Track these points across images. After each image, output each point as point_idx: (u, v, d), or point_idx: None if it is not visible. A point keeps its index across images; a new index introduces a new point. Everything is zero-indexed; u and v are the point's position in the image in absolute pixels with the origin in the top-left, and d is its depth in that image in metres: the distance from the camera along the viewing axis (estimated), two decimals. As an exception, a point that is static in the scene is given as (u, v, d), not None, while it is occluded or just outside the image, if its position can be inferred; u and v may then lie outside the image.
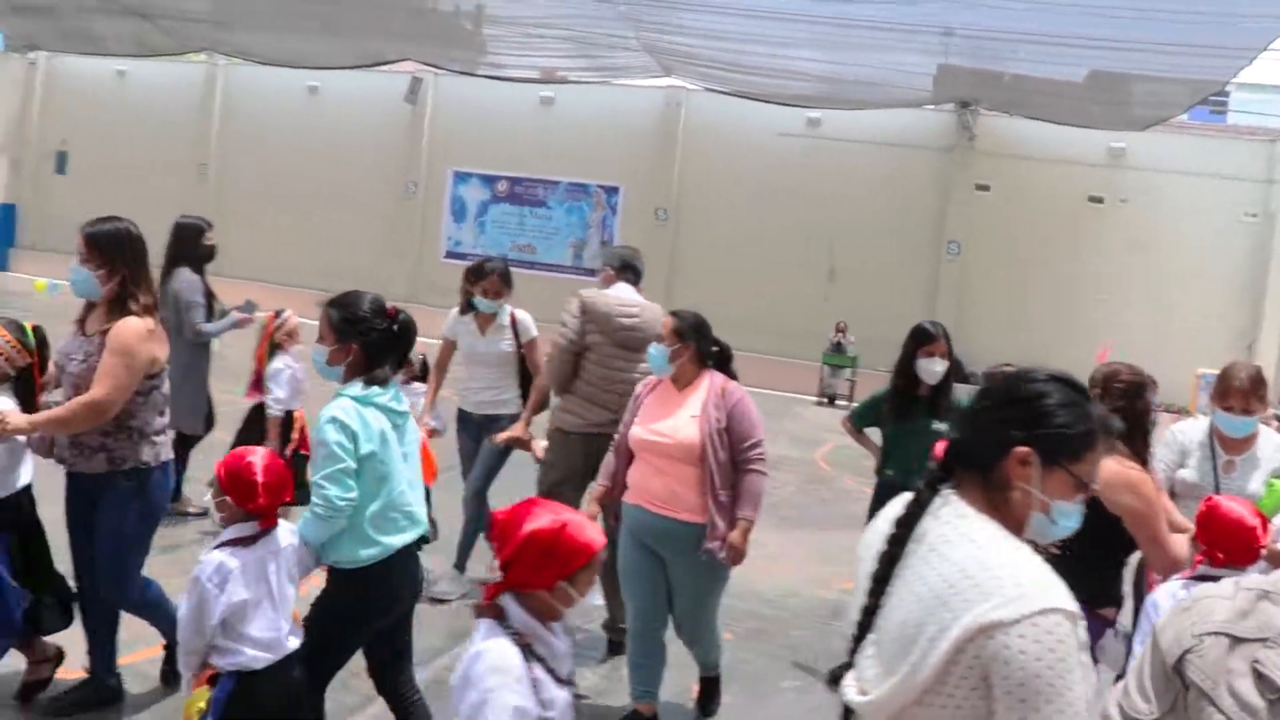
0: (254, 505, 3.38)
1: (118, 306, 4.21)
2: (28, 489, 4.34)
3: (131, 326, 4.14)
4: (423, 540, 3.90)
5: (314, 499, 3.48)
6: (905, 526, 1.98)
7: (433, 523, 6.41)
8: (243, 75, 23.78)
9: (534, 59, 20.56)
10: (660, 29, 17.42)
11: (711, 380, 4.62)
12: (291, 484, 3.55)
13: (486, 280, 6.45)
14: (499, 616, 2.47)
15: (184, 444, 6.99)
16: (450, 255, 21.51)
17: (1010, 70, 17.62)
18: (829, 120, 19.64)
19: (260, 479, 3.38)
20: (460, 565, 6.41)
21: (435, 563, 6.34)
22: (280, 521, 3.51)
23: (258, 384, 6.83)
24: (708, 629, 4.95)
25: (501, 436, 6.13)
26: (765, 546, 8.18)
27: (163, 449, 4.34)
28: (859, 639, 1.99)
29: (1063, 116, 17.56)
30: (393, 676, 4.03)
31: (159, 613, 4.47)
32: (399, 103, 21.65)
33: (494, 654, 2.40)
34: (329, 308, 3.79)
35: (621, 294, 5.77)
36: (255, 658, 3.33)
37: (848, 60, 17.25)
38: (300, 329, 6.88)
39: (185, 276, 6.83)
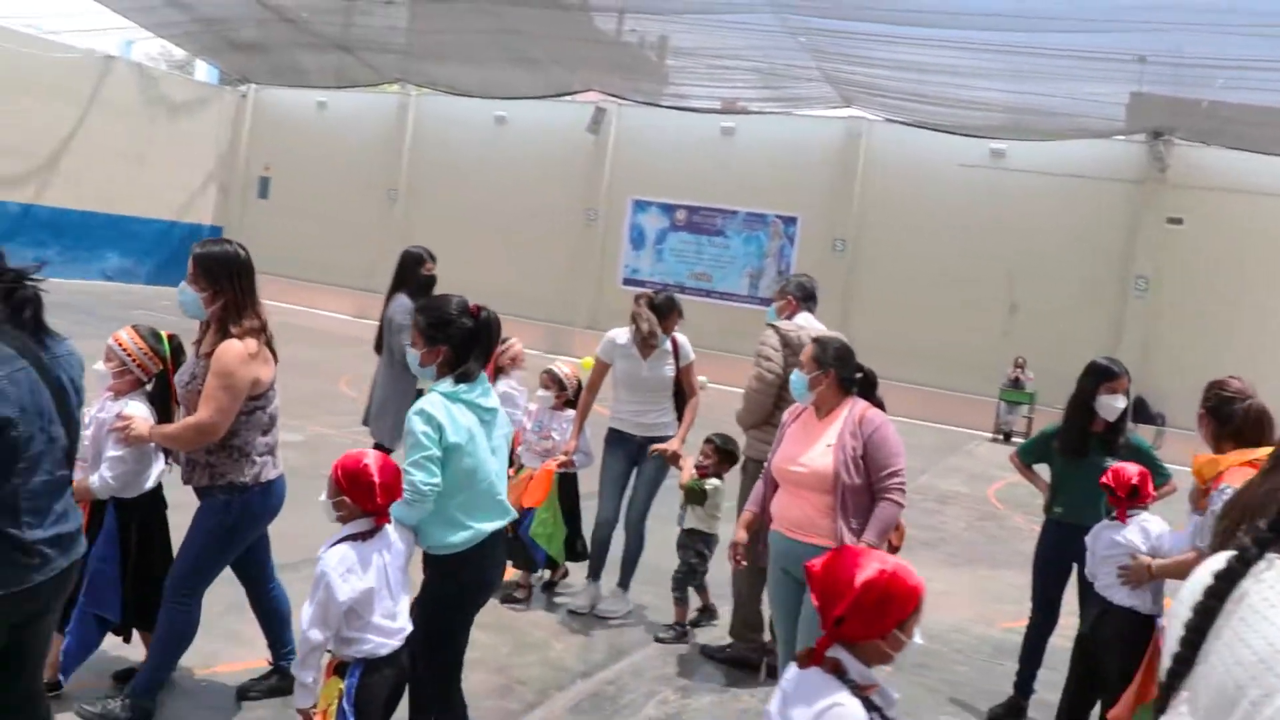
0: (372, 505, 3.57)
1: (221, 329, 4.21)
2: (156, 491, 4.47)
3: (232, 350, 4.12)
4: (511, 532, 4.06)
5: (404, 484, 3.66)
6: (1226, 581, 1.91)
7: (580, 544, 6.62)
8: (433, 105, 24.82)
9: (716, 89, 20.84)
10: (842, 60, 17.45)
11: (852, 408, 4.51)
12: (401, 483, 3.70)
13: (673, 318, 6.48)
14: (837, 670, 2.46)
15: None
16: (628, 282, 21.91)
17: (1208, 98, 17.00)
18: (1013, 151, 19.28)
19: (378, 479, 3.55)
20: (624, 584, 6.55)
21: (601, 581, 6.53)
22: (392, 525, 3.72)
23: None
24: None
25: (663, 447, 6.28)
26: (931, 582, 8.06)
27: (265, 469, 4.29)
28: (1169, 689, 1.95)
29: (1266, 145, 16.79)
30: (452, 660, 4.26)
31: (174, 643, 4.34)
32: (582, 132, 22.20)
33: (848, 710, 2.41)
34: (417, 314, 3.98)
35: (811, 324, 5.84)
36: (380, 644, 3.53)
37: (1034, 90, 16.93)
38: (524, 354, 7.18)
39: (401, 302, 7.07)
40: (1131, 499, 4.77)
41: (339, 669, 3.54)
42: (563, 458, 6.32)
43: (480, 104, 23.43)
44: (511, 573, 6.59)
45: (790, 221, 20.89)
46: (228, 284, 4.24)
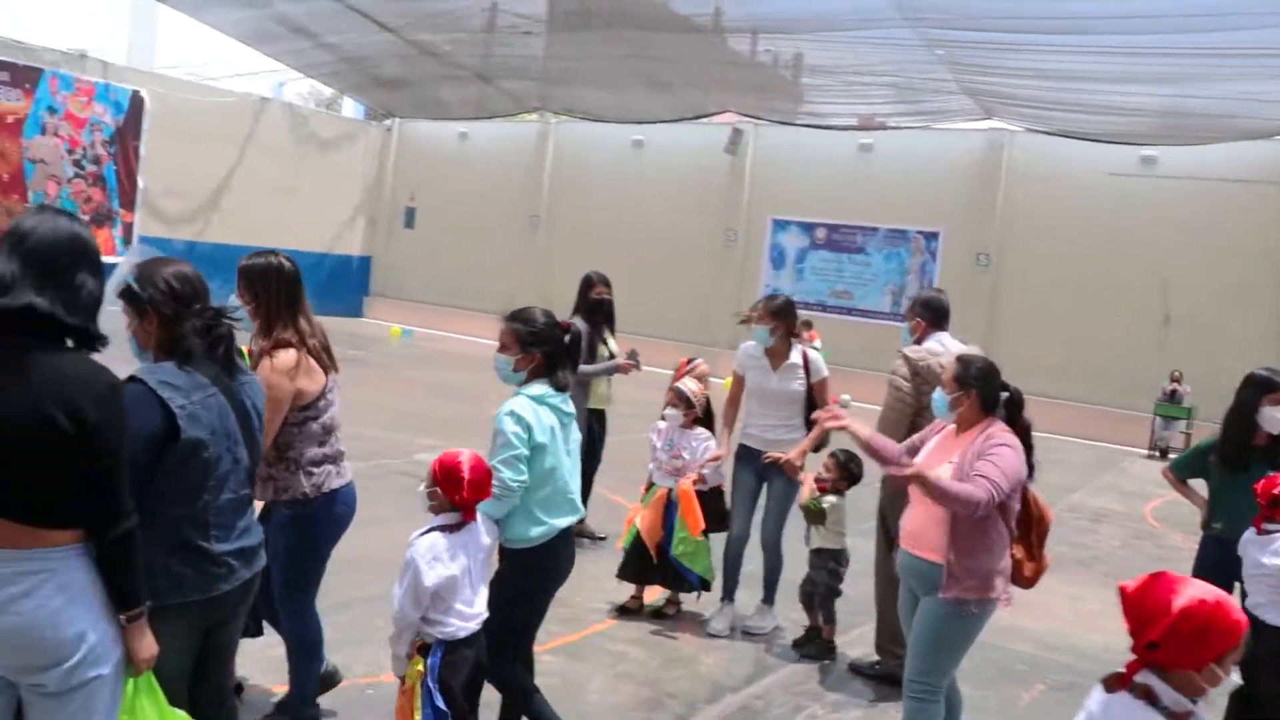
0: (459, 498, 3.82)
1: (265, 341, 4.27)
2: None
3: (270, 363, 4.17)
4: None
5: (494, 480, 3.92)
6: None
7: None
8: (572, 131, 25.24)
9: (852, 106, 20.70)
10: (981, 71, 17.16)
11: (989, 429, 4.33)
12: (489, 484, 3.92)
13: (790, 321, 6.41)
14: (1148, 696, 2.41)
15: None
16: (768, 302, 21.86)
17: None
18: (1165, 157, 18.63)
19: (468, 476, 3.80)
20: (769, 600, 6.53)
21: (744, 597, 6.53)
22: (478, 516, 3.95)
23: None
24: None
25: (777, 454, 6.20)
26: (1085, 601, 7.88)
27: (325, 479, 4.30)
28: None
29: None
30: (526, 646, 4.42)
31: (305, 655, 4.42)
32: (720, 153, 22.29)
33: None
34: (513, 323, 4.21)
35: (947, 345, 5.73)
36: (460, 628, 3.79)
37: (1188, 92, 16.36)
38: (709, 374, 7.28)
39: (574, 323, 7.47)
40: (1272, 508, 4.61)
41: (422, 649, 3.79)
42: (695, 475, 6.33)
43: (618, 129, 23.76)
44: (657, 592, 6.66)
45: (931, 237, 20.58)
46: (265, 296, 4.28)
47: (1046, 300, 19.24)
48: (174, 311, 3.11)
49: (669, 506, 6.37)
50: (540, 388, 4.16)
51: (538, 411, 4.10)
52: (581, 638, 6.05)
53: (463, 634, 3.80)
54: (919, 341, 5.90)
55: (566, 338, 4.27)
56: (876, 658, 5.90)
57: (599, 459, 8.13)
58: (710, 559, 6.39)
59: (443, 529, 3.82)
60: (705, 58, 19.83)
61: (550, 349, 4.20)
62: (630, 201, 23.77)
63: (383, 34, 21.75)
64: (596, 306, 7.81)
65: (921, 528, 4.38)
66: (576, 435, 4.37)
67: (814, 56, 18.92)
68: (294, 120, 26.54)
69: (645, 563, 6.38)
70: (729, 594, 6.50)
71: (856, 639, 6.37)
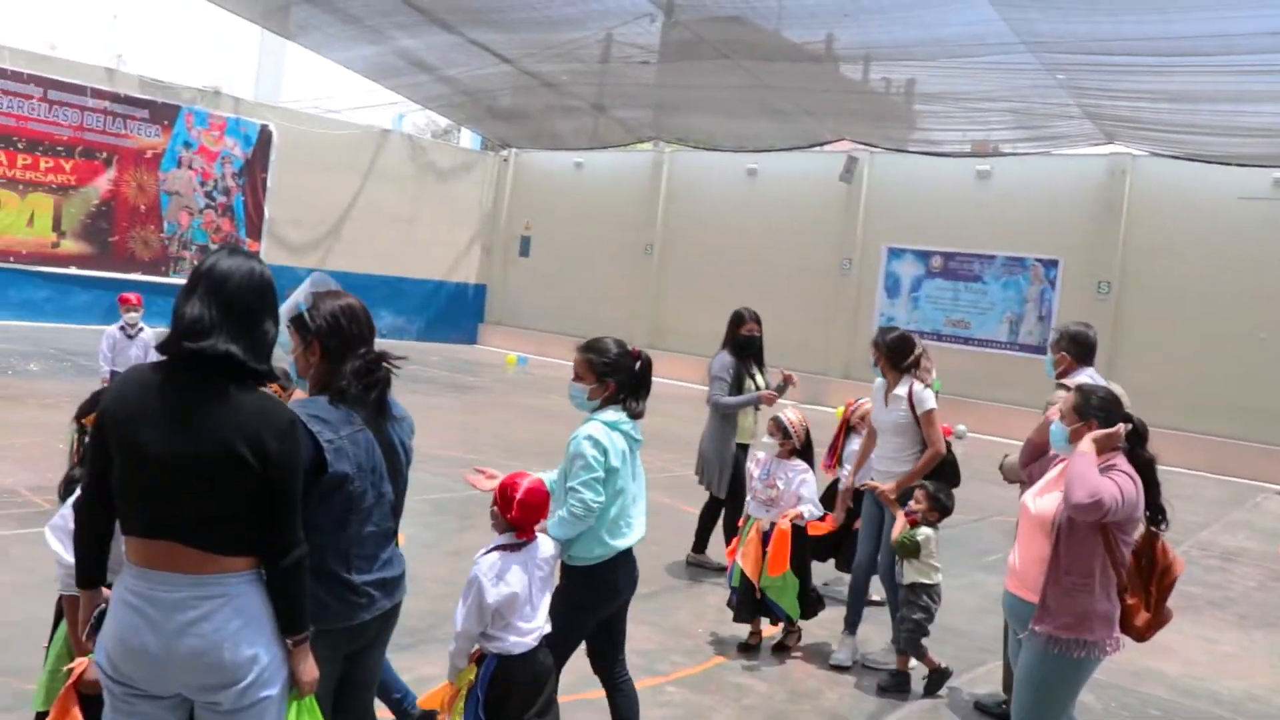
0: (510, 518, 3.97)
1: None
2: None
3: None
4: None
5: (570, 501, 4.10)
6: None
7: (814, 593, 6.51)
8: (686, 160, 25.35)
9: (969, 132, 20.41)
10: (1104, 95, 16.79)
11: (1110, 462, 4.16)
12: (545, 506, 4.06)
13: (897, 358, 6.48)
14: None
15: (713, 507, 8.18)
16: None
17: None
18: (1301, 179, 17.98)
19: (519, 497, 3.95)
20: (896, 639, 6.45)
21: (871, 634, 6.45)
22: (540, 536, 4.07)
23: (833, 460, 7.70)
24: None
25: (873, 483, 6.28)
26: (1221, 644, 7.60)
27: None
28: None
29: None
30: (609, 663, 4.51)
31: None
32: (834, 181, 22.16)
33: None
34: (588, 353, 4.35)
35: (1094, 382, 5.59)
36: (516, 643, 3.89)
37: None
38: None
39: (721, 357, 7.82)
40: None
41: (478, 659, 3.93)
42: (793, 512, 6.22)
43: (732, 158, 23.81)
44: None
45: (1051, 264, 20.14)
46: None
47: (1172, 329, 18.67)
48: (337, 348, 3.25)
49: (765, 540, 6.28)
50: (614, 414, 4.31)
51: (611, 437, 4.25)
52: (703, 670, 6.05)
53: (518, 650, 3.90)
54: (1063, 376, 5.80)
55: (637, 365, 4.39)
56: (1004, 696, 5.77)
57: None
58: (795, 594, 6.26)
59: (503, 548, 3.95)
60: (818, 85, 19.75)
61: (623, 377, 4.34)
62: (744, 230, 23.75)
63: (501, 65, 22.17)
64: (746, 343, 7.97)
65: (1025, 568, 4.30)
66: (640, 465, 4.51)
67: (929, 83, 18.70)
68: (413, 151, 27.17)
69: (750, 599, 6.30)
70: (851, 626, 6.46)
71: (983, 676, 6.25)
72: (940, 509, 6.13)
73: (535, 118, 25.87)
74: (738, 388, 7.82)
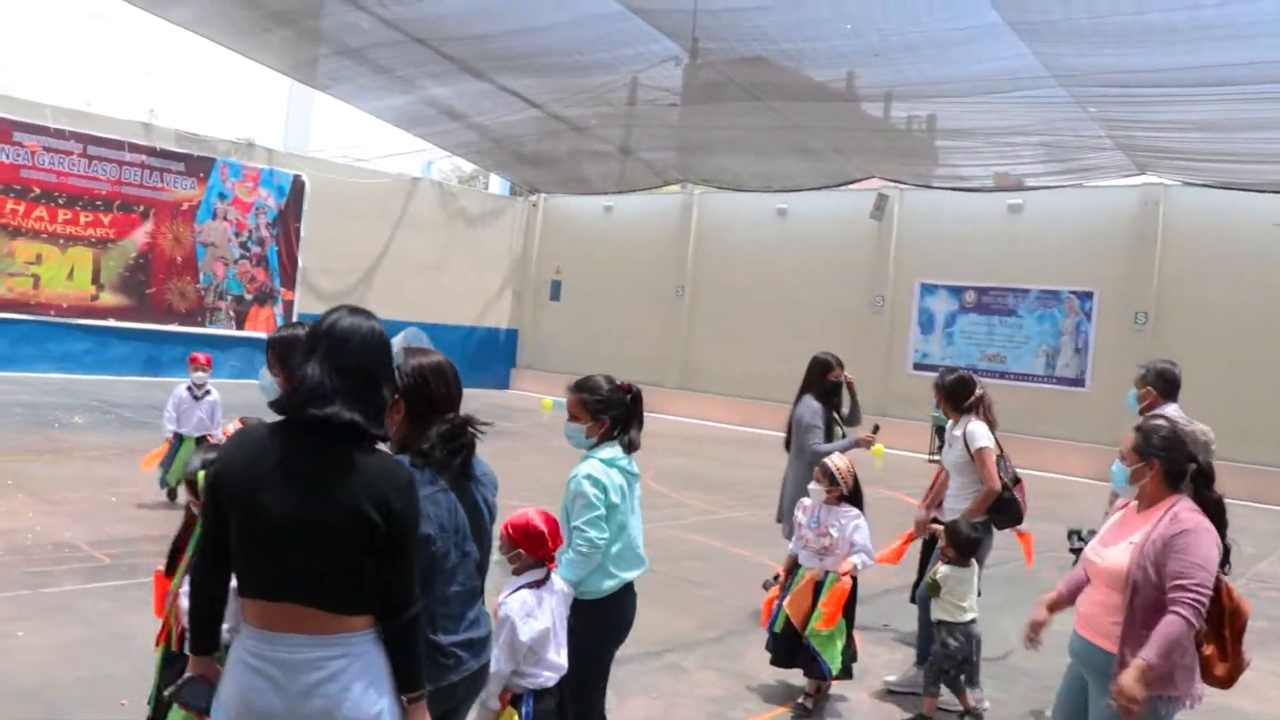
0: (544, 551, 3.99)
1: None
2: None
3: None
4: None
5: (576, 541, 4.20)
6: None
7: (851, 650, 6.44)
8: (715, 201, 25.44)
9: (999, 166, 20.40)
10: (1135, 125, 16.77)
11: (1176, 506, 4.03)
12: (558, 530, 4.10)
13: (957, 399, 6.80)
14: None
15: None
16: (918, 367, 21.59)
17: None
18: (1338, 205, 17.86)
19: (545, 529, 3.99)
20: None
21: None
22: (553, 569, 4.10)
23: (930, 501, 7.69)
24: None
25: (925, 519, 6.51)
26: (1288, 680, 7.48)
27: None
28: None
29: None
30: (601, 690, 4.54)
31: None
32: (865, 219, 22.17)
33: None
34: (580, 392, 4.48)
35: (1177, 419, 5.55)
36: (549, 678, 3.95)
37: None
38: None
39: (808, 403, 7.74)
40: None
41: (513, 700, 3.92)
42: (847, 565, 6.03)
43: (761, 198, 23.88)
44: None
45: (1086, 297, 20.06)
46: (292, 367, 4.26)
47: (1209, 358, 18.47)
48: (423, 409, 3.25)
49: (817, 589, 6.12)
50: (609, 450, 4.44)
51: (609, 474, 4.37)
52: (774, 717, 6.00)
53: (550, 683, 3.95)
54: (1147, 411, 5.78)
55: (629, 399, 4.50)
56: None
57: None
58: (839, 648, 6.05)
59: (530, 585, 3.97)
60: (845, 124, 19.80)
61: (617, 413, 4.47)
62: (775, 269, 23.78)
63: (529, 111, 22.36)
64: (834, 389, 8.00)
65: (1092, 611, 4.17)
66: (638, 494, 4.62)
67: (959, 119, 18.68)
68: (443, 197, 27.38)
69: (794, 647, 6.10)
70: (922, 656, 6.44)
71: None
72: (956, 545, 6.10)
73: (563, 162, 26.06)
74: (828, 435, 7.84)
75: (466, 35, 18.92)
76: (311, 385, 2.68)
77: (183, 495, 9.40)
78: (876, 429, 7.89)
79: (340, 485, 2.64)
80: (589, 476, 4.34)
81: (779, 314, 23.33)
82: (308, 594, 2.64)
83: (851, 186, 22.56)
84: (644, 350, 25.45)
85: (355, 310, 2.85)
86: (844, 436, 7.93)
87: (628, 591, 4.47)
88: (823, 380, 7.91)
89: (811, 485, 6.32)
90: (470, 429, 3.34)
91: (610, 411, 4.47)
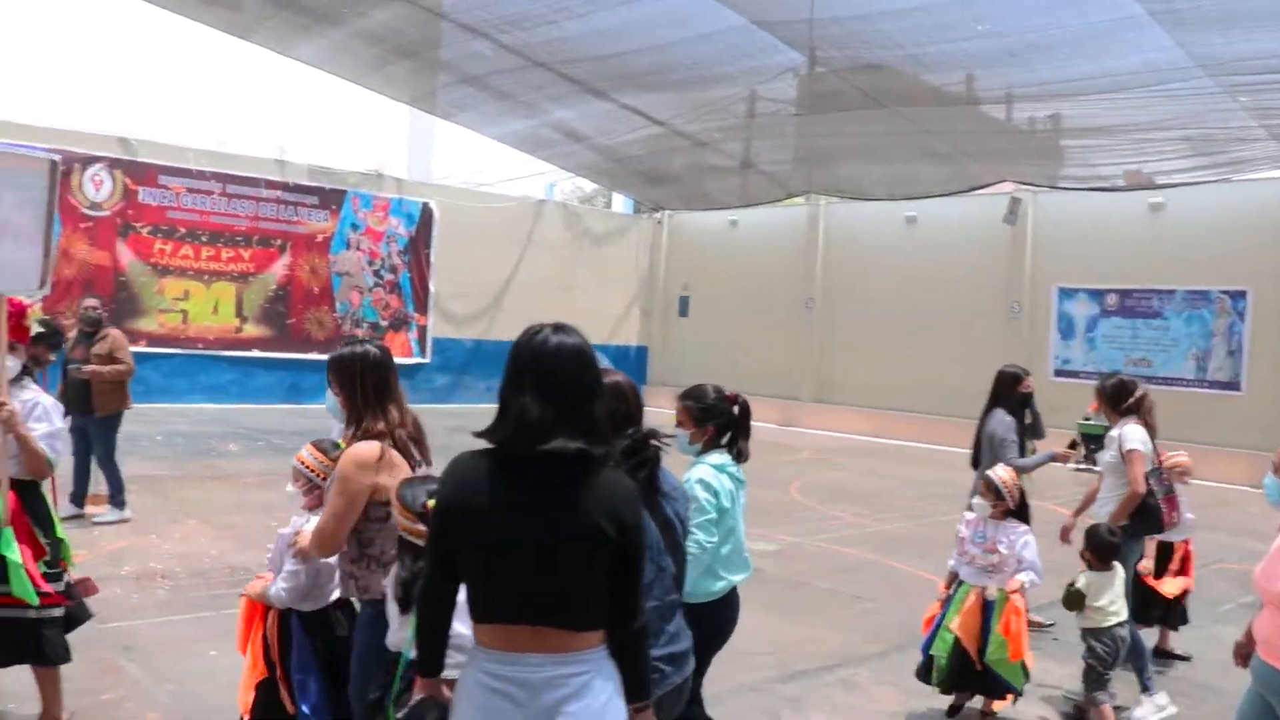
0: None
1: (349, 432, 4.11)
2: (340, 605, 4.40)
3: (349, 453, 3.97)
4: None
5: (689, 543, 4.03)
6: None
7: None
8: (842, 212, 25.16)
9: (1134, 164, 19.75)
10: (1289, 114, 16.09)
11: None
12: None
13: (1117, 401, 6.83)
14: None
15: None
16: (1059, 374, 20.98)
17: None
18: None
19: None
20: (1144, 688, 6.14)
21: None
22: None
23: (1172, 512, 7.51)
24: None
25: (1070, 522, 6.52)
26: None
27: None
28: None
29: None
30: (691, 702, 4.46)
31: None
32: (998, 224, 21.66)
33: None
34: (686, 400, 4.61)
35: None
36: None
37: None
38: (1192, 467, 7.17)
39: (1000, 417, 7.64)
40: None
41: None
42: (1015, 583, 5.72)
43: (889, 206, 23.51)
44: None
45: (1238, 296, 19.25)
46: (351, 386, 4.10)
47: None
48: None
49: (985, 608, 5.81)
50: (719, 457, 4.53)
51: (719, 479, 4.46)
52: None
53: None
54: None
55: (735, 409, 4.58)
56: None
57: None
58: (1020, 664, 5.76)
59: None
60: (979, 128, 19.38)
61: (722, 421, 4.56)
62: (907, 278, 23.37)
63: (651, 128, 22.42)
64: (1025, 401, 7.90)
65: (1270, 636, 3.90)
66: (744, 500, 4.68)
67: (1093, 117, 18.15)
68: (568, 218, 27.65)
69: (966, 670, 5.82)
70: (1144, 686, 6.17)
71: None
72: (1094, 549, 5.97)
73: (684, 179, 26.07)
74: (1022, 448, 7.73)
75: (588, 56, 19.06)
76: (529, 422, 2.64)
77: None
78: (1074, 444, 7.72)
79: (575, 507, 2.64)
80: (701, 481, 4.42)
81: (913, 323, 22.96)
82: (549, 615, 2.65)
83: (982, 191, 22.08)
84: (776, 364, 25.31)
85: (557, 328, 2.79)
86: (1034, 451, 7.82)
87: (734, 595, 4.54)
88: (1013, 392, 7.79)
89: (975, 500, 6.07)
90: (653, 443, 3.34)
91: (715, 419, 4.56)
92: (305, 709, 4.28)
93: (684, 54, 18.32)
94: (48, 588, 4.83)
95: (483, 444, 2.72)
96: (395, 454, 3.99)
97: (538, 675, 2.63)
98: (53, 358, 7.52)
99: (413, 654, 3.06)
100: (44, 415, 4.97)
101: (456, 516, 2.68)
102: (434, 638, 2.88)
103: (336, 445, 4.39)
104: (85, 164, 19.94)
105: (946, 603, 5.97)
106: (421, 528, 3.47)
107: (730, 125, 21.74)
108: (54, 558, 4.93)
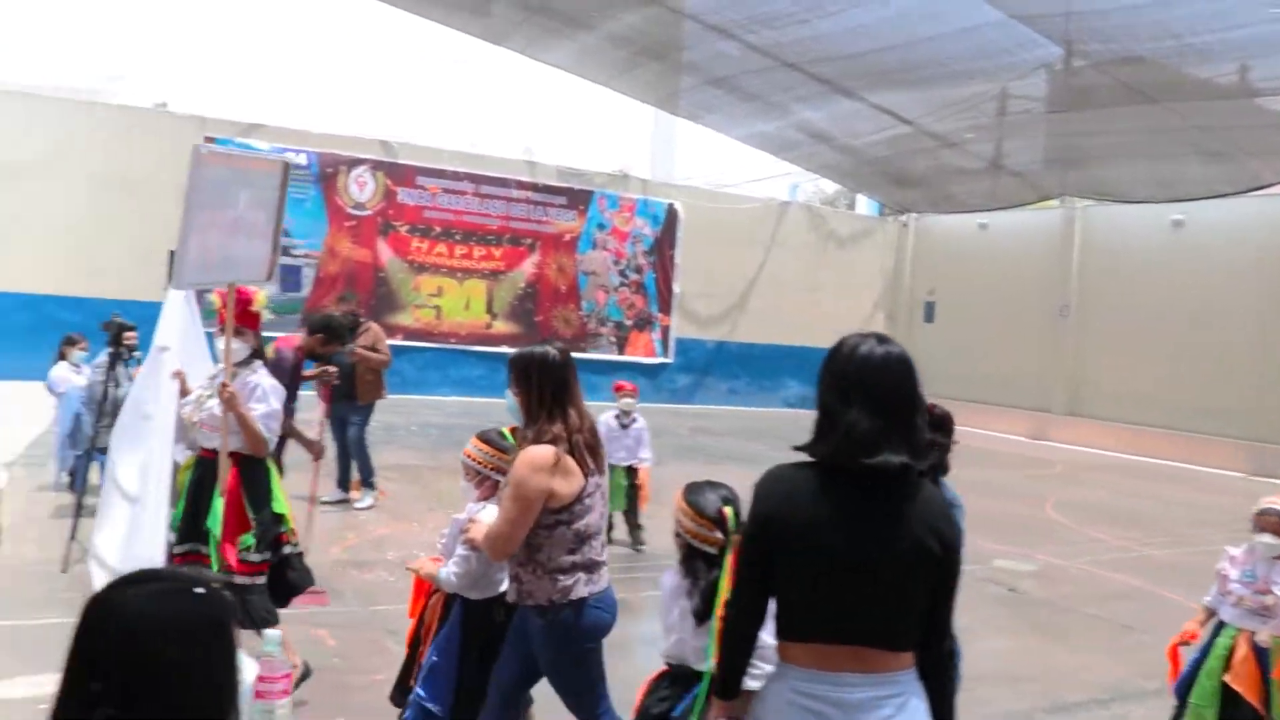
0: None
1: (525, 434, 4.02)
2: (500, 599, 4.27)
3: (525, 457, 3.87)
4: None
5: None
6: None
7: None
8: (1101, 215, 23.84)
9: None
10: None
11: None
12: None
13: None
14: None
15: None
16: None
17: None
18: None
19: None
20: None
21: None
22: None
23: None
24: None
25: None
26: None
27: (573, 586, 3.90)
28: None
29: None
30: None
31: None
32: (1275, 226, 20.05)
33: None
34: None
35: None
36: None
37: None
38: None
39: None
40: None
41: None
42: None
43: (1153, 209, 22.07)
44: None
45: None
46: (529, 388, 3.99)
47: None
48: None
49: (1260, 655, 5.17)
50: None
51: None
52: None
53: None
54: None
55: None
56: None
57: None
58: None
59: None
60: (1243, 122, 17.92)
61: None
62: (1173, 287, 21.83)
63: (900, 128, 21.84)
64: None
65: None
66: None
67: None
68: (813, 220, 27.35)
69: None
70: None
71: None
72: None
73: (930, 181, 25.32)
74: None
75: (839, 55, 18.70)
76: (859, 436, 2.58)
77: (621, 527, 9.64)
78: None
79: (903, 523, 2.60)
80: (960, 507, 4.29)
81: (1178, 334, 21.50)
82: (874, 635, 2.59)
83: (1262, 191, 20.42)
84: (1026, 374, 24.28)
85: (880, 339, 2.73)
86: None
87: None
88: None
89: (1263, 538, 5.29)
90: (933, 446, 3.22)
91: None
92: (422, 692, 4.29)
93: (938, 50, 17.72)
94: (234, 563, 5.14)
95: (801, 456, 2.68)
96: (570, 460, 3.90)
97: (854, 696, 2.56)
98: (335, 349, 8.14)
99: (703, 667, 3.05)
100: (263, 397, 5.32)
101: (778, 529, 2.62)
102: (739, 656, 2.78)
103: (501, 434, 4.45)
104: (350, 166, 21.06)
105: (1206, 647, 5.40)
106: (718, 535, 3.45)
107: (980, 124, 20.96)
108: (263, 533, 5.25)
